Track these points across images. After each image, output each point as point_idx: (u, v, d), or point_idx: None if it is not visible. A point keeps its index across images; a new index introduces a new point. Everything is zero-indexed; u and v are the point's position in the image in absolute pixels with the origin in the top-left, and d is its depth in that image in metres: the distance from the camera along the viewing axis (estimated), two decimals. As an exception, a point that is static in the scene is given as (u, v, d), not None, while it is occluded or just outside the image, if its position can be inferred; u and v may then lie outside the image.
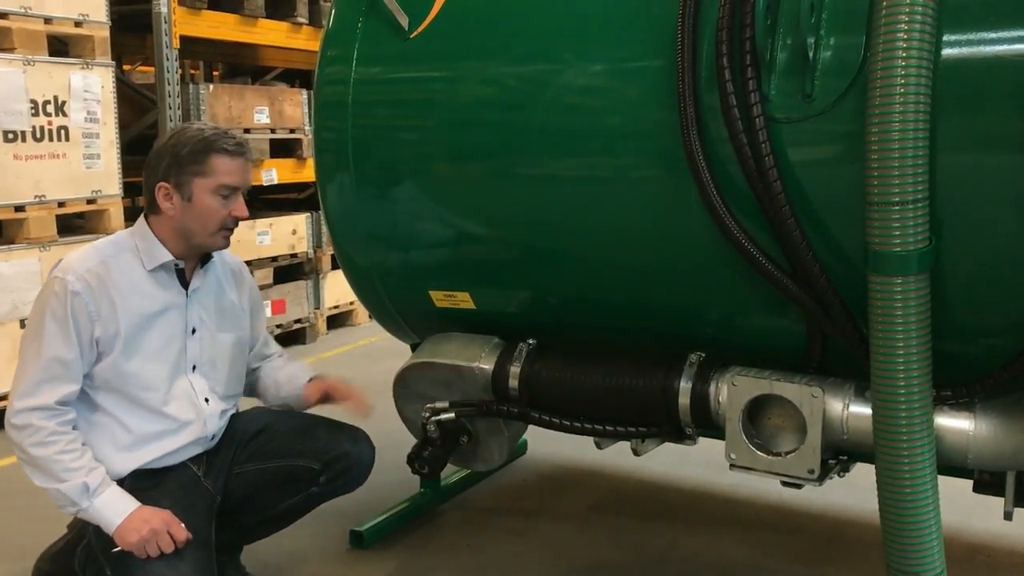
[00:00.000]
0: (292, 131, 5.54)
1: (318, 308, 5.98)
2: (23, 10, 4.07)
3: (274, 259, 5.58)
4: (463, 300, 2.66)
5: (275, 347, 2.73)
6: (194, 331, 2.38)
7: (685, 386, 2.29)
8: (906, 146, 1.81)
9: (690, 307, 2.39)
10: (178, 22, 4.80)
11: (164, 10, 4.74)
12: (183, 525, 2.19)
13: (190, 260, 2.38)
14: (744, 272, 2.15)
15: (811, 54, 2.02)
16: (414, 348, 2.96)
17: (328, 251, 5.97)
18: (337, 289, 6.04)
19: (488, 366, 2.55)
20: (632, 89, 2.30)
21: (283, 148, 5.57)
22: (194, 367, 2.39)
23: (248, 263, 5.27)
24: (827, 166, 2.06)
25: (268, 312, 5.47)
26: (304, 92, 5.64)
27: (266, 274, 5.47)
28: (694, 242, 2.25)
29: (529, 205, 2.46)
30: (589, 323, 2.56)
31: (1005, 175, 1.92)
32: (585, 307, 2.54)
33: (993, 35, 1.96)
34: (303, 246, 5.78)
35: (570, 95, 2.37)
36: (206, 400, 2.40)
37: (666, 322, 2.44)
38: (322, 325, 6.03)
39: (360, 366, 5.23)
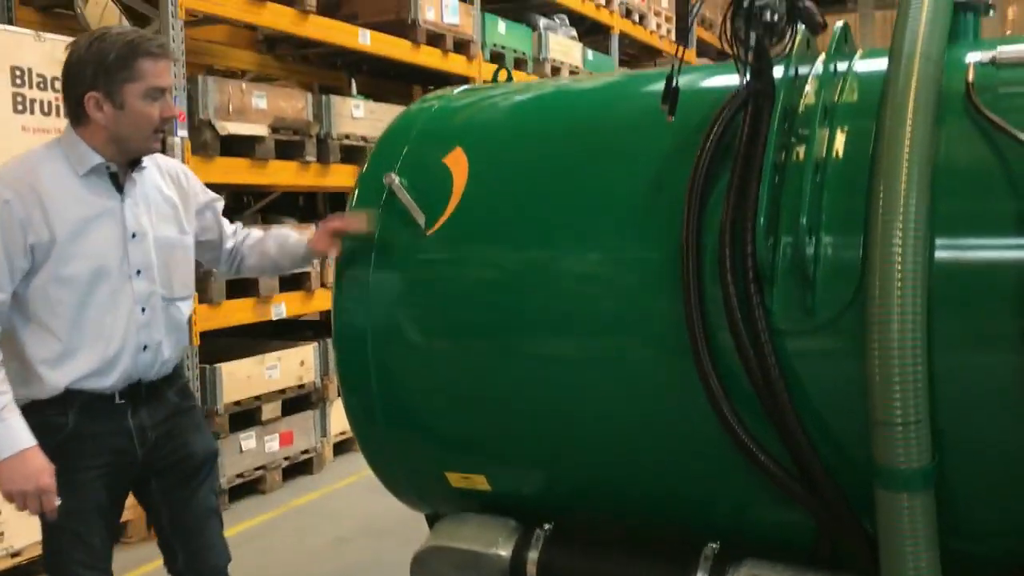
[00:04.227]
0: (301, 265, 5.66)
1: (325, 436, 6.02)
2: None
3: (282, 391, 5.63)
4: (479, 482, 2.72)
5: (236, 225, 2.79)
6: (134, 235, 2.38)
7: (700, 580, 2.34)
8: (906, 371, 1.92)
9: (700, 497, 2.46)
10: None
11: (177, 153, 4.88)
12: (56, 501, 2.22)
13: (121, 166, 2.37)
14: (752, 468, 2.23)
15: (811, 272, 2.13)
16: (429, 520, 3.01)
17: (335, 378, 6.02)
18: (344, 416, 6.06)
19: (505, 552, 2.60)
20: (638, 279, 2.43)
21: (292, 281, 5.68)
22: (138, 271, 2.38)
23: (256, 398, 5.39)
24: (832, 377, 2.16)
25: (276, 445, 5.51)
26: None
27: (274, 408, 5.52)
28: (699, 434, 2.32)
29: (543, 394, 2.55)
30: (603, 508, 2.62)
31: (1004, 379, 2.01)
32: (598, 492, 2.61)
33: (982, 241, 2.10)
34: (310, 376, 5.85)
35: (593, 293, 2.48)
36: (142, 310, 2.39)
37: (677, 510, 2.51)
38: (329, 453, 6.06)
39: (369, 502, 5.23)
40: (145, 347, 2.41)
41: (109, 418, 2.38)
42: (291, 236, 2.77)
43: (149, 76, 2.28)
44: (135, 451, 2.43)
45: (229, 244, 2.76)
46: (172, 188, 2.54)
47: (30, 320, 2.31)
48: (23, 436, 2.21)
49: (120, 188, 2.37)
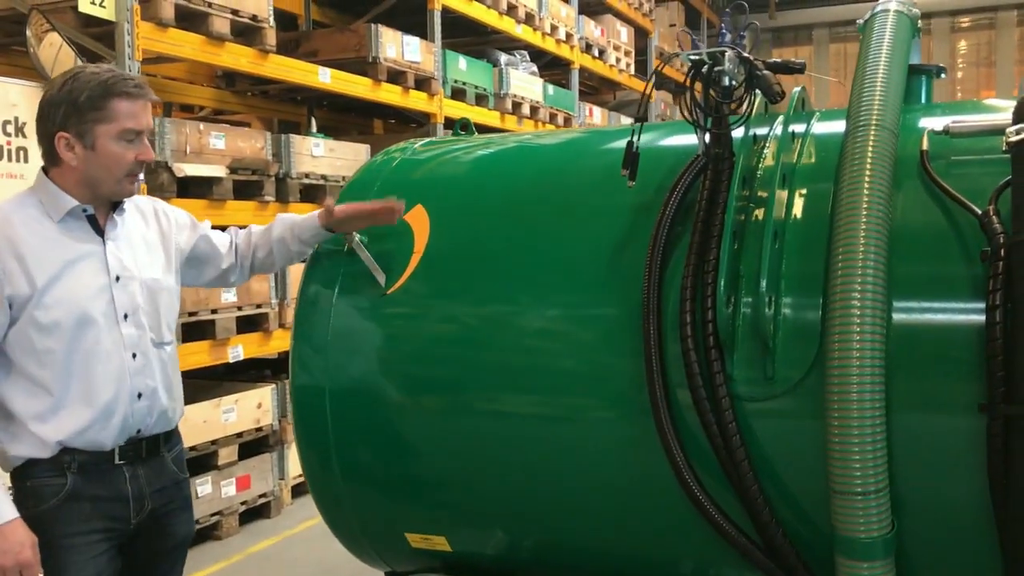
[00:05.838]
0: (259, 306, 5.60)
1: (283, 479, 5.92)
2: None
3: (239, 435, 5.53)
4: (439, 543, 2.69)
5: (229, 232, 2.71)
6: (118, 278, 2.30)
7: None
8: (866, 441, 1.92)
9: (661, 557, 2.45)
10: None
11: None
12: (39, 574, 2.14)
13: (100, 208, 2.30)
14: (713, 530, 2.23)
15: (770, 338, 2.14)
16: (389, 577, 2.97)
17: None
18: (302, 457, 5.98)
19: (466, 617, 2.57)
20: (598, 338, 2.42)
21: (249, 323, 5.61)
22: (125, 315, 2.30)
23: (213, 443, 5.29)
24: (792, 443, 2.17)
25: (233, 490, 5.41)
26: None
27: (231, 452, 5.42)
28: (660, 494, 2.30)
29: (501, 453, 2.53)
30: (565, 567, 2.60)
31: (959, 441, 2.03)
32: (559, 552, 2.58)
33: (936, 305, 2.13)
34: (268, 419, 5.75)
35: (552, 351, 2.47)
36: (133, 356, 2.30)
37: (639, 571, 2.50)
38: (287, 496, 5.95)
39: (330, 549, 5.11)
40: (140, 395, 2.32)
41: (108, 481, 2.29)
42: (297, 216, 2.67)
43: (123, 117, 2.22)
44: (129, 519, 2.32)
45: (229, 260, 2.68)
46: (152, 229, 2.46)
47: (18, 374, 2.23)
48: (4, 508, 2.13)
49: (100, 231, 2.31)
